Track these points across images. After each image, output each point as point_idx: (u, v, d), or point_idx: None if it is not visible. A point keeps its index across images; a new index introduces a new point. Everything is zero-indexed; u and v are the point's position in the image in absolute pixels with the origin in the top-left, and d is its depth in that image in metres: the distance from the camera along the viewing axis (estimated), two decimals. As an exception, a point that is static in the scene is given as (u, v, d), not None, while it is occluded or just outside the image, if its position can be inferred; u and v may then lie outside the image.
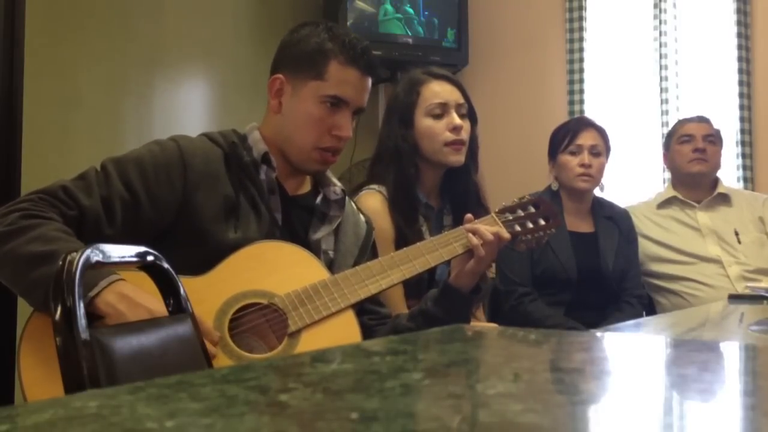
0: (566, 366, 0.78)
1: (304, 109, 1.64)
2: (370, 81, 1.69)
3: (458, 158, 2.05)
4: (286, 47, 1.69)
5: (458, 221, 1.78)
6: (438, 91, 2.08)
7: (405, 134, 2.07)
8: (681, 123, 2.94)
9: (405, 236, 1.96)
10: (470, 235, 1.70)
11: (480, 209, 1.98)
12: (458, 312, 1.72)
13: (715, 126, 2.91)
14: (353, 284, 1.60)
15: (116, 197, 1.49)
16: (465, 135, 2.06)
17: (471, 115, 2.11)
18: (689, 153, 2.82)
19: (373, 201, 2.02)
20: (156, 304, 1.27)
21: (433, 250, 1.70)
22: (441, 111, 2.06)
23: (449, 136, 2.04)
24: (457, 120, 2.05)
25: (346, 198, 1.78)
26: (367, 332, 1.67)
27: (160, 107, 3.08)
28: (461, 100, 2.09)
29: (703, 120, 2.90)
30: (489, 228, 1.71)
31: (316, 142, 1.65)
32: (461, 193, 2.10)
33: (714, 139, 2.85)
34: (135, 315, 1.27)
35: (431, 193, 2.12)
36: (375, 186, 2.06)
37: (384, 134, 2.14)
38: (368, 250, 1.77)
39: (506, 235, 1.73)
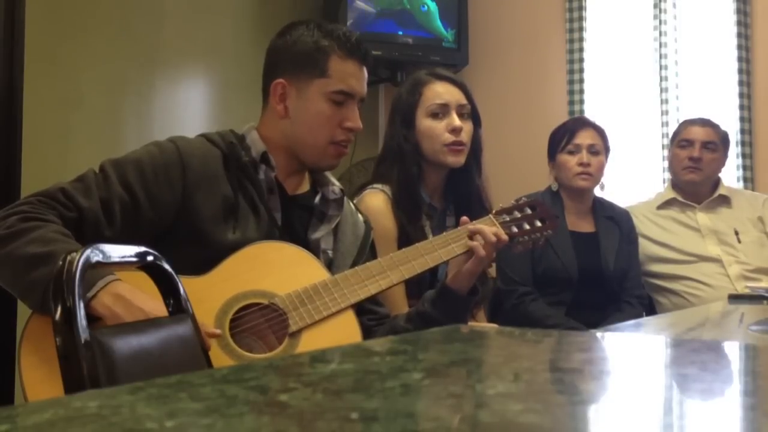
0: (566, 366, 0.78)
1: (313, 108, 1.65)
2: (366, 70, 1.71)
3: (457, 159, 2.05)
4: (280, 51, 1.70)
5: (459, 223, 1.79)
6: (440, 91, 2.08)
7: (407, 134, 2.07)
8: (684, 124, 2.90)
9: (408, 235, 1.96)
10: (469, 233, 1.71)
11: (482, 211, 1.97)
12: (455, 313, 1.72)
13: (722, 128, 2.87)
14: (353, 284, 1.60)
15: (115, 199, 1.49)
16: (465, 136, 2.05)
17: (474, 117, 2.11)
18: (685, 160, 2.80)
19: (376, 200, 2.02)
20: (152, 305, 1.27)
21: (432, 251, 1.70)
22: (441, 111, 2.06)
23: (449, 137, 2.03)
24: (457, 121, 2.04)
25: (345, 198, 1.78)
26: (366, 332, 1.67)
27: (160, 107, 3.09)
28: (463, 101, 2.08)
29: (707, 124, 2.84)
30: (489, 228, 1.71)
31: (330, 138, 1.66)
32: (464, 195, 2.10)
33: (714, 146, 2.79)
34: (131, 316, 1.27)
35: (435, 193, 2.12)
36: (378, 185, 2.06)
37: (388, 134, 2.14)
38: (367, 250, 1.78)
39: (504, 236, 1.73)
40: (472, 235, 1.71)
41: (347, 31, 1.71)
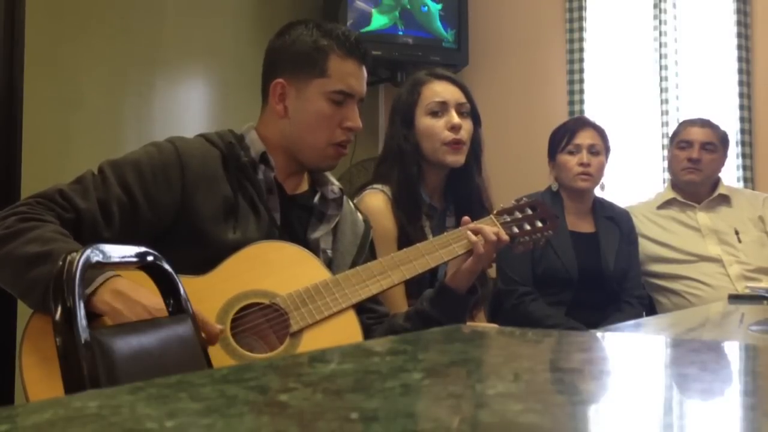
0: (566, 366, 0.78)
1: (312, 108, 1.65)
2: (365, 69, 1.71)
3: (456, 158, 2.05)
4: (279, 51, 1.70)
5: (461, 223, 1.79)
6: (438, 90, 2.08)
7: (407, 134, 2.07)
8: (683, 125, 2.90)
9: (408, 235, 1.96)
10: (470, 233, 1.71)
11: (482, 211, 1.97)
12: (454, 312, 1.72)
13: (721, 128, 2.86)
14: (354, 284, 1.61)
15: (113, 200, 1.49)
16: (465, 134, 2.05)
17: (474, 117, 2.11)
18: (684, 161, 2.80)
19: (376, 200, 2.02)
20: (153, 300, 1.26)
21: (433, 251, 1.70)
22: (440, 109, 2.06)
23: (448, 135, 2.03)
24: (456, 119, 2.04)
25: (344, 197, 1.78)
26: (365, 331, 1.68)
27: (160, 107, 3.09)
28: (462, 100, 2.08)
29: (706, 124, 2.84)
30: (489, 228, 1.72)
31: (329, 139, 1.66)
32: (464, 195, 2.10)
33: (713, 147, 2.79)
34: (132, 312, 1.27)
35: (435, 193, 2.12)
36: (378, 185, 2.06)
37: (388, 135, 2.15)
38: (366, 250, 1.78)
39: (505, 237, 1.73)
40: (473, 233, 1.71)
41: (346, 30, 1.71)
